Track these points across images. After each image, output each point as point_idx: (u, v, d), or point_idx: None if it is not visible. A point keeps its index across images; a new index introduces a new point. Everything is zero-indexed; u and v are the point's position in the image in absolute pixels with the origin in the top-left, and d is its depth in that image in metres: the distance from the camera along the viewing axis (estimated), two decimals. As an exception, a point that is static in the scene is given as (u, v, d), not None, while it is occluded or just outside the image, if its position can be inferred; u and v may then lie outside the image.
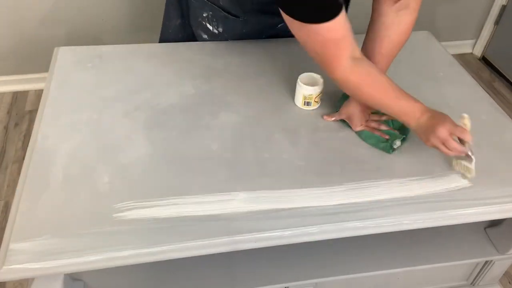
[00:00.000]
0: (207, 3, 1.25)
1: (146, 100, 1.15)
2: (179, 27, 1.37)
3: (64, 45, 1.32)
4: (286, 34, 1.23)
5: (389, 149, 1.05)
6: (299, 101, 1.15)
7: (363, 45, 1.07)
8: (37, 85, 2.22)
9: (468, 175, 0.99)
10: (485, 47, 2.62)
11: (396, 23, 1.01)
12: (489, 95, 1.27)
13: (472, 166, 0.97)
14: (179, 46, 1.34)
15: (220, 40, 1.33)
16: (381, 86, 0.97)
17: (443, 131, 0.93)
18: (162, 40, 1.42)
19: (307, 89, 1.12)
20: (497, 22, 2.51)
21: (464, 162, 0.99)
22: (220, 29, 1.30)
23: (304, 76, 1.15)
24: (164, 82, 1.22)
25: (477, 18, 2.56)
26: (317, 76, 1.15)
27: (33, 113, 2.11)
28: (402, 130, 1.09)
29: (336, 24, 0.86)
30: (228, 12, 1.25)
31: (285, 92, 1.21)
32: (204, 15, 1.28)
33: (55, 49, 1.30)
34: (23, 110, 2.13)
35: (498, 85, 2.48)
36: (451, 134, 0.94)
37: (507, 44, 2.47)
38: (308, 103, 1.15)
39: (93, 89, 1.18)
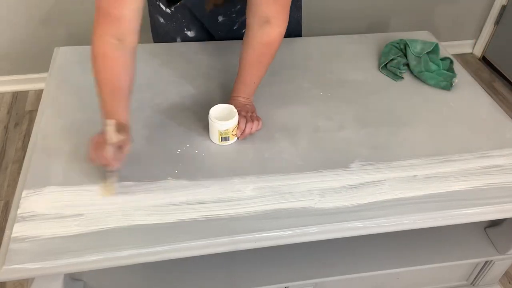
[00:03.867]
0: None
1: (146, 100, 1.15)
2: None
3: (64, 45, 1.32)
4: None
5: (450, 86, 1.23)
6: (215, 137, 1.05)
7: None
8: (37, 85, 2.22)
9: (108, 193, 0.92)
10: (485, 47, 2.62)
11: (259, 36, 1.03)
12: (489, 95, 1.27)
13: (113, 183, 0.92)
14: (179, 46, 1.34)
15: (177, 23, 1.30)
16: (106, 77, 0.94)
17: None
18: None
19: (223, 125, 1.02)
20: (497, 22, 2.51)
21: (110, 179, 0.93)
22: (173, 8, 1.26)
23: (215, 109, 1.04)
24: (164, 82, 1.22)
25: (477, 18, 2.56)
26: (229, 107, 1.05)
27: (33, 113, 2.11)
28: (451, 70, 1.29)
29: None
30: None
31: (285, 91, 1.21)
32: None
33: (55, 49, 1.30)
34: (23, 110, 2.13)
35: (498, 85, 2.48)
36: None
37: (507, 44, 2.46)
38: (225, 138, 1.05)
39: (93, 89, 1.17)
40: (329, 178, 0.99)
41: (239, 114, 1.04)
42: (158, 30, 1.36)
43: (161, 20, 1.31)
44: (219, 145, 1.05)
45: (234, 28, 1.31)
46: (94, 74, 0.95)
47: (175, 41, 1.35)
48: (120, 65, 0.94)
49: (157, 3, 1.27)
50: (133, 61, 0.96)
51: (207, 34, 1.35)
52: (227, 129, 1.02)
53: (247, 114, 1.07)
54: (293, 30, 1.40)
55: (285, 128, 1.10)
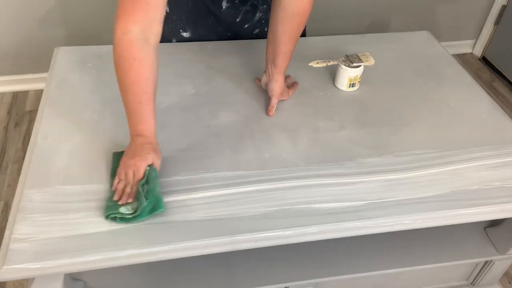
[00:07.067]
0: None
1: (146, 100, 1.15)
2: None
3: (64, 45, 1.32)
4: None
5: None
6: (343, 83, 1.21)
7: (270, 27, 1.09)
8: (37, 85, 2.22)
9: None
10: (485, 47, 2.62)
11: (291, 5, 1.01)
12: (489, 95, 1.27)
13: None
14: (179, 46, 1.35)
15: (172, 24, 1.29)
16: (134, 77, 0.89)
17: (134, 165, 0.90)
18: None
19: (353, 71, 1.18)
20: (497, 22, 2.51)
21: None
22: (168, 9, 1.22)
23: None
24: (164, 82, 1.22)
25: (477, 18, 2.56)
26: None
27: (33, 113, 2.11)
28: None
29: None
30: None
31: (285, 92, 1.21)
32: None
33: (55, 49, 1.30)
34: (23, 110, 2.13)
35: (498, 85, 2.48)
36: (126, 172, 0.90)
37: (507, 44, 2.47)
38: (352, 85, 1.21)
39: (93, 89, 1.18)
40: (329, 178, 0.99)
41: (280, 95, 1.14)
42: None
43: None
44: (221, 144, 1.05)
45: (237, 20, 1.31)
46: (119, 79, 0.91)
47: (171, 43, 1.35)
48: (147, 68, 0.90)
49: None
50: (158, 60, 0.92)
51: (203, 35, 1.34)
52: (356, 76, 1.20)
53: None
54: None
55: (285, 128, 1.10)
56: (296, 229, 0.89)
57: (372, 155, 1.05)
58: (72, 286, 1.03)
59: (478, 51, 2.66)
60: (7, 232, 0.84)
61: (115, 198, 0.88)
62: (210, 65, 1.28)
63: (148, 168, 0.91)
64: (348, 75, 1.20)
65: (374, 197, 0.95)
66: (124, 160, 0.92)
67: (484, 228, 1.25)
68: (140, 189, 0.88)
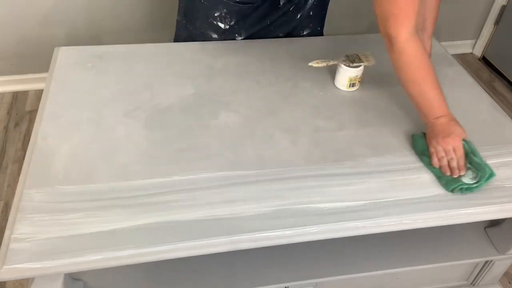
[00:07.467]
0: (221, 1, 1.25)
1: (146, 100, 1.15)
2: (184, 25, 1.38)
3: (64, 45, 1.32)
4: (287, 19, 1.32)
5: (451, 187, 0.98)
6: (343, 83, 1.21)
7: None
8: (37, 85, 2.22)
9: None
10: (485, 47, 2.62)
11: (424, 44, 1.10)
12: (489, 95, 1.27)
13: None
14: (179, 46, 1.35)
15: (229, 35, 1.33)
16: (425, 69, 1.01)
17: (453, 141, 0.99)
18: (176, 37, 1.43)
19: (353, 71, 1.19)
20: (497, 22, 2.51)
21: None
22: (232, 22, 1.30)
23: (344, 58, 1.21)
24: (164, 82, 1.22)
25: (477, 18, 2.56)
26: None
27: (33, 113, 2.10)
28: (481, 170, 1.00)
29: None
30: (244, 3, 1.26)
31: (285, 91, 1.21)
32: (216, 14, 1.28)
33: (55, 49, 1.30)
34: (23, 110, 2.13)
35: (498, 85, 2.48)
36: (454, 149, 0.99)
37: (507, 44, 2.46)
38: (352, 85, 1.22)
39: (93, 89, 1.18)
40: (329, 178, 0.99)
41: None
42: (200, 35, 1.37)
43: (214, 35, 1.33)
44: (221, 144, 1.05)
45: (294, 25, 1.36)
46: (412, 76, 1.02)
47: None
48: (428, 59, 1.03)
49: (214, 22, 1.29)
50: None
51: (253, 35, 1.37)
52: (356, 76, 1.21)
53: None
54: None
55: (285, 128, 1.10)
56: (296, 229, 0.89)
57: (372, 155, 1.05)
58: (72, 286, 1.03)
59: (478, 51, 2.66)
60: (7, 232, 0.84)
61: (450, 173, 0.99)
62: (210, 65, 1.28)
63: (464, 142, 1.02)
64: (348, 75, 1.20)
65: (374, 197, 0.95)
66: (439, 140, 1.00)
67: (484, 228, 1.25)
68: (476, 159, 1.00)
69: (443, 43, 1.48)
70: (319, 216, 0.91)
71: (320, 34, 1.46)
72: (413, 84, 1.03)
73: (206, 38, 1.35)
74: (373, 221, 0.92)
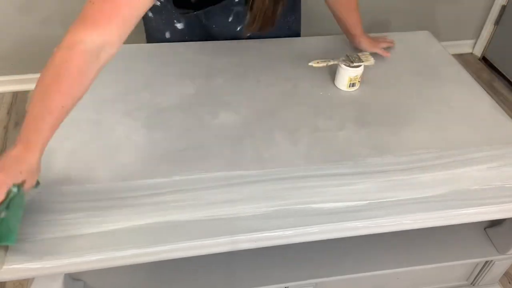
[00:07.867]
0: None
1: (146, 100, 1.15)
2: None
3: (64, 45, 1.32)
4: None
5: None
6: (343, 83, 1.23)
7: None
8: (37, 85, 2.22)
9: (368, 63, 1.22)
10: (485, 47, 2.62)
11: None
12: (489, 95, 1.27)
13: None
14: (179, 46, 1.35)
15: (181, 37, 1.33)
16: (68, 90, 0.81)
17: None
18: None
19: (353, 71, 1.20)
20: (497, 22, 2.51)
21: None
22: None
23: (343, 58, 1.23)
24: (164, 82, 1.22)
25: (477, 18, 2.56)
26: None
27: (33, 113, 2.10)
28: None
29: None
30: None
31: (285, 91, 1.21)
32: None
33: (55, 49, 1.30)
34: (23, 110, 2.13)
35: (498, 85, 2.48)
36: None
37: (507, 44, 2.47)
38: (352, 85, 1.22)
39: (93, 88, 1.17)
40: (329, 178, 0.99)
41: (375, 47, 1.34)
42: (147, 26, 1.36)
43: (150, 14, 1.30)
44: (221, 144, 1.05)
45: (229, 20, 1.29)
46: (45, 78, 0.80)
47: (165, 36, 1.34)
48: (83, 84, 0.83)
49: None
50: (94, 80, 0.85)
51: (197, 26, 1.31)
52: (356, 75, 1.23)
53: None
54: (293, 31, 1.41)
55: (285, 128, 1.10)
56: (296, 229, 0.89)
57: (372, 155, 1.05)
58: (72, 286, 1.03)
59: (478, 51, 2.66)
60: (7, 232, 0.84)
61: None
62: (210, 65, 1.28)
63: (15, 190, 0.74)
64: (348, 75, 1.20)
65: (374, 197, 0.95)
66: None
67: (484, 228, 1.25)
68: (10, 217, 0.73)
69: (443, 43, 1.48)
70: (319, 216, 0.91)
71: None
72: (40, 88, 0.80)
73: (143, 18, 1.29)
74: (373, 221, 0.92)
